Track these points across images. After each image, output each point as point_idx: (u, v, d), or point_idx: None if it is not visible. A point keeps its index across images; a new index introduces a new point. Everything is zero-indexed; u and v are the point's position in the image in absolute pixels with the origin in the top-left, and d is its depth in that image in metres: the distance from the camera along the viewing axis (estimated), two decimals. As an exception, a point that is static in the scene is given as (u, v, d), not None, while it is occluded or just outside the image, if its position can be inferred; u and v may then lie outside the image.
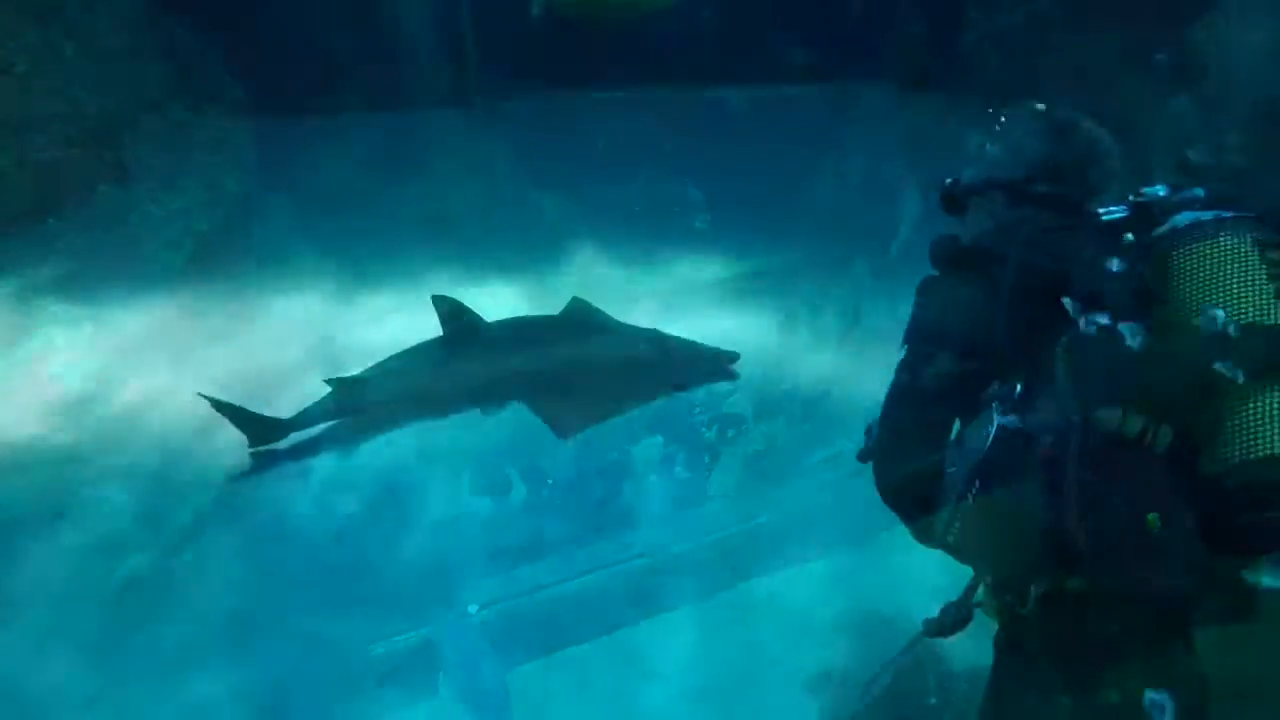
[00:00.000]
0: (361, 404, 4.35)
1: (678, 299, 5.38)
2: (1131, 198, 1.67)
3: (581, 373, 4.54)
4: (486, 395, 4.50)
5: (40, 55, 6.48)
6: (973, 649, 2.78)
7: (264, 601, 3.41)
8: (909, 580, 3.20)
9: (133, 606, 3.42)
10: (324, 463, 4.19)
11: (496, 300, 5.28)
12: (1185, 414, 1.37)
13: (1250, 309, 1.38)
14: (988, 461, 1.38)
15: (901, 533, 1.72)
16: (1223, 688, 1.41)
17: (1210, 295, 1.42)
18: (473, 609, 3.31)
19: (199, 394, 4.05)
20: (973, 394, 1.56)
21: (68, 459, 4.22)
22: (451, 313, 4.50)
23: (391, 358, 4.53)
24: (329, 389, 4.25)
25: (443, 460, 4.14)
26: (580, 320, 4.98)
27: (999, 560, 1.54)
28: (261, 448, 4.17)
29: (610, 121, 7.92)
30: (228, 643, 3.23)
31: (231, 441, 4.11)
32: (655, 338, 4.70)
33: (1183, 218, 1.55)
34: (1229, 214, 1.51)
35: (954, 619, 1.69)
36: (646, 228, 6.15)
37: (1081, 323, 1.45)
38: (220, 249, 6.19)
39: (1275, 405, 1.31)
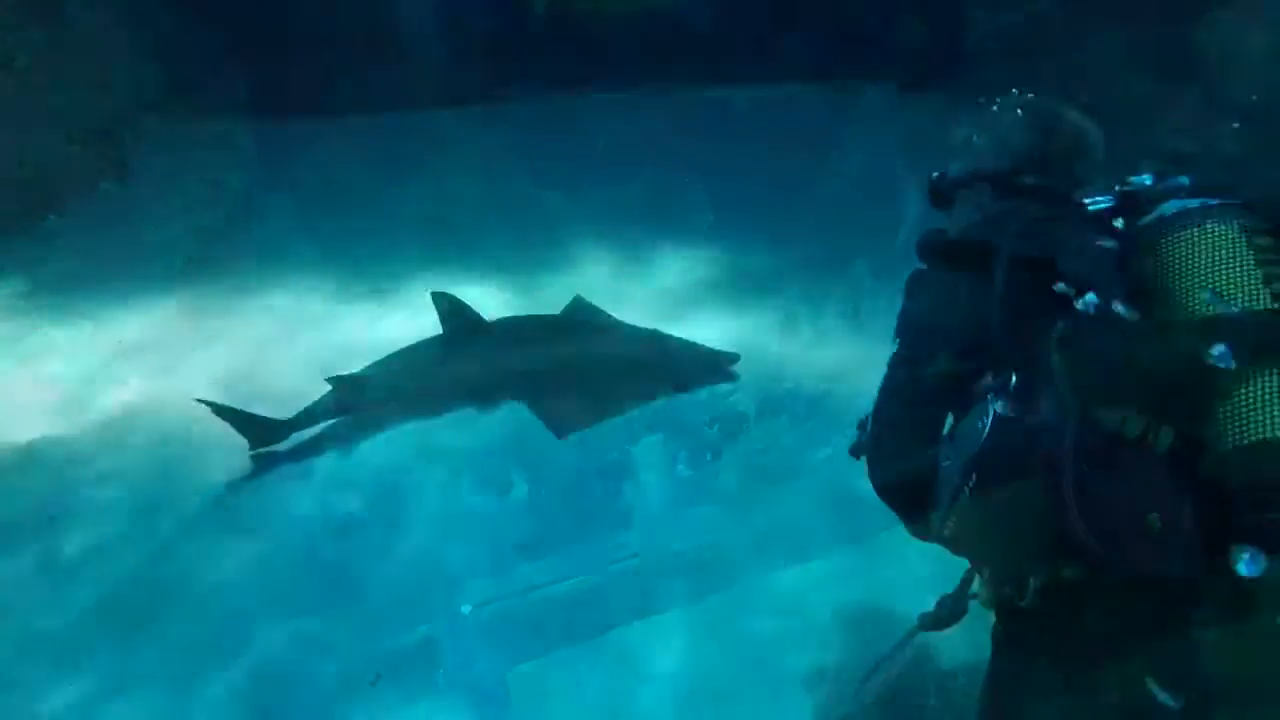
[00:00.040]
0: (361, 402, 4.35)
1: (678, 299, 5.38)
2: (1118, 187, 1.68)
3: (581, 372, 4.54)
4: (486, 393, 4.50)
5: (41, 51, 6.49)
6: (971, 647, 2.79)
7: (264, 601, 3.41)
8: (904, 576, 3.20)
9: (132, 606, 3.43)
10: (324, 462, 4.19)
11: (496, 300, 5.29)
12: (1181, 407, 1.37)
13: (1239, 295, 1.39)
14: (985, 453, 1.38)
15: (898, 528, 1.72)
16: (1223, 688, 1.41)
17: (1200, 282, 1.43)
18: (466, 609, 3.31)
19: (198, 399, 4.05)
20: (966, 387, 1.56)
21: (67, 459, 4.23)
22: (451, 310, 4.50)
23: (391, 355, 4.53)
24: (329, 387, 4.25)
25: (440, 459, 4.13)
26: (581, 320, 4.98)
27: (998, 552, 1.54)
28: (262, 450, 4.18)
29: (610, 121, 7.92)
30: (227, 642, 3.23)
31: (232, 440, 4.11)
32: (655, 338, 4.69)
33: (1170, 206, 1.56)
34: (1215, 201, 1.52)
35: (949, 612, 1.68)
36: (646, 228, 6.15)
37: (1078, 304, 1.46)
38: (221, 248, 6.20)
39: (1266, 390, 1.31)
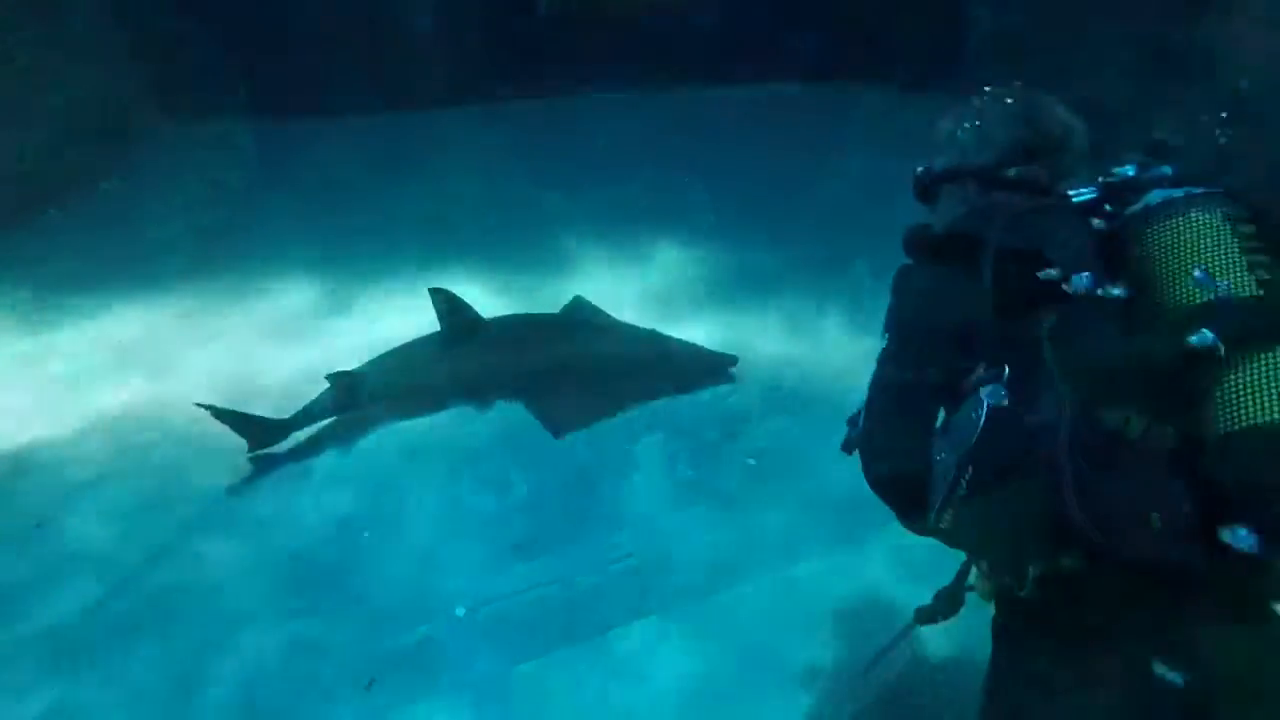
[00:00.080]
0: (360, 399, 4.35)
1: (677, 299, 5.38)
2: (1102, 179, 1.69)
3: (579, 372, 4.53)
4: (484, 391, 4.49)
5: (41, 50, 6.50)
6: (970, 646, 2.79)
7: (263, 601, 3.41)
8: (901, 573, 3.20)
9: (132, 607, 3.42)
10: (322, 462, 4.19)
11: (496, 300, 5.29)
12: (1178, 401, 1.38)
13: (1226, 282, 1.41)
14: (980, 445, 1.38)
15: (893, 524, 1.72)
16: (1224, 673, 1.41)
17: (1186, 270, 1.44)
18: (460, 611, 3.31)
19: (197, 404, 4.05)
20: (958, 380, 1.56)
21: (66, 459, 4.23)
22: (450, 307, 4.49)
23: (389, 352, 4.54)
24: (328, 384, 4.25)
25: (438, 460, 4.13)
26: (580, 320, 4.98)
27: (996, 543, 1.54)
28: (261, 451, 4.18)
29: (610, 121, 7.92)
30: (226, 642, 3.24)
31: (231, 441, 4.11)
32: (654, 338, 4.69)
33: (1154, 195, 1.58)
34: (1199, 190, 1.54)
35: (946, 605, 1.68)
36: (646, 228, 6.15)
37: (1067, 287, 1.47)
38: (221, 248, 6.20)
39: (1255, 376, 1.32)
